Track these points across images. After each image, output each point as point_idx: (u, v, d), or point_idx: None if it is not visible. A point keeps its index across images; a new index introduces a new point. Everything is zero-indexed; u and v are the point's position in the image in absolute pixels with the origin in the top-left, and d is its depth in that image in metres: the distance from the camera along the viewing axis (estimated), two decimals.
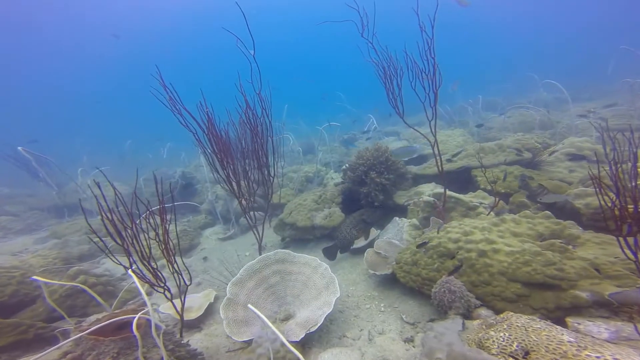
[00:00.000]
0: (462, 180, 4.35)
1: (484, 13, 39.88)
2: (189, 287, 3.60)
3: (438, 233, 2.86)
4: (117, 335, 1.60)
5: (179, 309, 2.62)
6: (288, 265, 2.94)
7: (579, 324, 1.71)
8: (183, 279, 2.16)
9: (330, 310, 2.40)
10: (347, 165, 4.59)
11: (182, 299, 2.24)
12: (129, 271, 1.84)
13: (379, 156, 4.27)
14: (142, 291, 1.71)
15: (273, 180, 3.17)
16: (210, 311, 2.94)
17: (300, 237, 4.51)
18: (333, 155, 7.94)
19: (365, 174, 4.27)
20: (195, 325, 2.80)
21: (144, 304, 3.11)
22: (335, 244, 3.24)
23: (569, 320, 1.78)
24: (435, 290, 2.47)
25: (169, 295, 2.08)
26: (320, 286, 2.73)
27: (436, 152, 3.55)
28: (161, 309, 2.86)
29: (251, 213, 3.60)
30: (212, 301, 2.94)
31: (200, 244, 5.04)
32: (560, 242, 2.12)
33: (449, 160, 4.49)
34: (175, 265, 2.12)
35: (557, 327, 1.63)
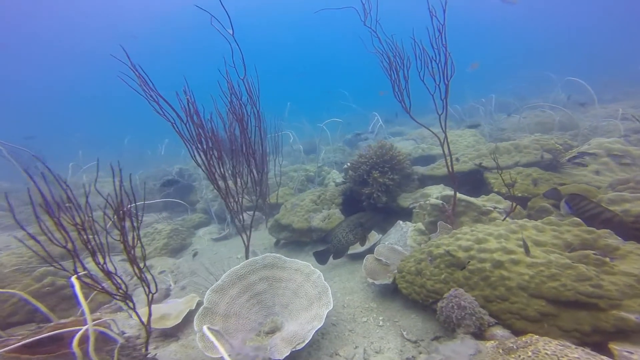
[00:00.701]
0: (473, 182, 4.00)
1: (488, 11, 39.07)
2: (173, 291, 3.35)
3: (447, 240, 2.54)
4: (57, 352, 1.33)
5: (152, 317, 2.35)
6: (277, 271, 2.64)
7: (631, 353, 1.37)
8: (148, 286, 1.89)
9: (321, 325, 2.09)
10: (348, 164, 4.28)
11: (150, 308, 1.96)
12: (73, 278, 1.57)
13: (383, 154, 3.96)
14: (82, 302, 1.44)
15: (263, 176, 2.89)
16: (190, 319, 2.66)
17: (297, 240, 4.21)
18: (336, 154, 7.64)
19: (368, 173, 3.96)
20: (172, 334, 2.53)
21: (116, 310, 2.85)
22: (328, 248, 2.93)
23: (615, 347, 1.44)
24: (442, 304, 2.14)
25: (130, 304, 1.80)
26: (312, 296, 2.43)
27: (446, 150, 3.23)
28: (142, 315, 2.60)
29: (244, 213, 3.33)
30: (193, 308, 2.66)
31: (192, 244, 4.79)
32: (595, 254, 1.78)
33: (457, 160, 4.14)
34: (138, 270, 1.85)
35: (603, 357, 1.29)
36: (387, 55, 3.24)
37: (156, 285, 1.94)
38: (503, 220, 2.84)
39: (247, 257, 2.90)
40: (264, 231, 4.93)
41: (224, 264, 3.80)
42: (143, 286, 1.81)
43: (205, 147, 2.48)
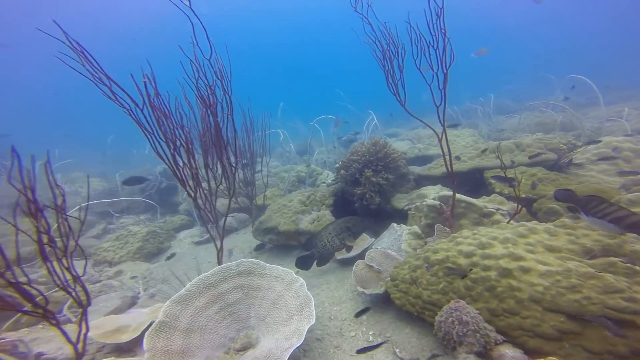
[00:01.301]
0: (473, 182, 3.74)
1: (490, 12, 39.25)
2: (141, 299, 3.00)
3: (445, 244, 2.25)
4: None
5: (105, 330, 2.02)
6: (255, 278, 2.33)
7: None
8: (77, 297, 1.56)
9: (300, 342, 1.78)
10: (340, 162, 4.00)
11: (83, 324, 1.62)
12: None
13: (377, 152, 3.68)
14: None
15: (246, 173, 2.58)
16: None
17: (284, 244, 3.90)
18: (330, 155, 7.36)
19: (360, 172, 3.67)
20: (129, 349, 2.19)
21: (65, 322, 2.50)
22: (311, 253, 2.63)
23: None
24: (441, 319, 1.85)
25: (53, 321, 1.47)
26: (293, 308, 2.11)
27: (445, 148, 2.96)
28: (93, 328, 2.25)
29: (229, 215, 3.01)
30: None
31: (172, 248, 4.44)
32: (623, 262, 1.50)
33: (458, 159, 3.87)
34: (71, 278, 1.52)
35: None
36: (380, 44, 2.99)
37: (88, 297, 1.60)
38: (508, 223, 2.56)
39: (219, 263, 2.59)
40: (246, 234, 4.61)
41: (201, 270, 3.47)
42: (73, 298, 1.48)
43: (168, 135, 2.18)
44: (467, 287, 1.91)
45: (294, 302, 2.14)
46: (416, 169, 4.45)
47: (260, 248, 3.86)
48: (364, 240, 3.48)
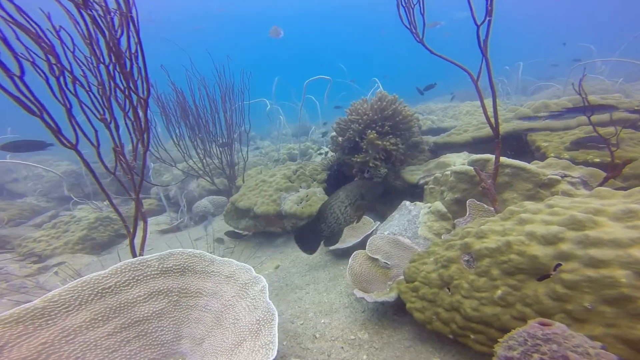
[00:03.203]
0: (511, 150, 2.84)
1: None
2: None
3: (499, 223, 1.38)
4: None
5: None
6: (193, 279, 1.49)
7: None
8: None
9: None
10: (335, 124, 3.11)
11: None
12: None
13: (383, 109, 2.78)
14: None
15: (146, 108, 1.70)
16: None
17: (264, 230, 3.06)
18: (329, 129, 6.44)
19: (361, 135, 2.79)
20: None
21: None
22: (319, 229, 1.82)
23: None
24: (513, 353, 0.99)
25: None
26: (245, 327, 1.27)
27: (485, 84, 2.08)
28: None
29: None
30: None
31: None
32: None
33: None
34: None
35: None
36: None
37: None
38: (587, 196, 1.66)
39: (133, 255, 1.76)
40: (220, 220, 3.77)
41: None
42: None
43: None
44: (553, 296, 1.04)
45: (248, 318, 1.29)
46: (431, 138, 3.55)
47: (233, 235, 3.02)
48: (367, 224, 2.62)
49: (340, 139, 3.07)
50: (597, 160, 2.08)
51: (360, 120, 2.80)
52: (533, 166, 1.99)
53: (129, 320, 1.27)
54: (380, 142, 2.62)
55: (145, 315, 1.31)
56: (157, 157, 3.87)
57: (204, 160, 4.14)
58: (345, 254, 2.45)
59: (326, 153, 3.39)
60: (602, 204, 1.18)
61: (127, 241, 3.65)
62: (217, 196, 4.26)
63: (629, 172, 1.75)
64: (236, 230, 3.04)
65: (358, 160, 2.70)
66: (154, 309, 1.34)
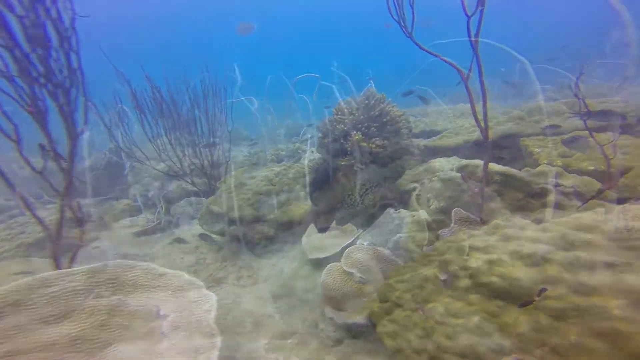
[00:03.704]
0: (504, 155, 2.70)
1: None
2: None
3: (481, 238, 1.23)
4: None
5: None
6: (132, 295, 1.32)
7: None
8: None
9: None
10: (320, 125, 2.96)
11: None
12: None
13: (370, 108, 2.63)
14: None
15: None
16: None
17: (243, 236, 2.90)
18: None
19: (346, 136, 2.64)
20: None
21: None
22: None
23: None
24: None
25: None
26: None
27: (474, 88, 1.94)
28: None
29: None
30: None
31: (100, 239, 3.44)
32: None
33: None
34: None
35: None
36: None
37: None
38: (580, 208, 1.52)
39: (56, 267, 1.57)
40: (195, 223, 3.61)
41: None
42: None
43: None
44: (535, 327, 0.89)
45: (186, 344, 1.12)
46: (422, 142, 3.41)
47: (206, 238, 2.86)
48: (348, 232, 2.47)
49: (325, 140, 2.92)
50: (592, 168, 1.94)
51: (345, 121, 2.65)
52: (524, 174, 1.85)
53: (30, 346, 1.08)
54: (365, 144, 2.47)
55: (53, 339, 1.12)
56: (126, 151, 3.71)
57: (182, 161, 3.99)
58: (324, 264, 2.29)
59: (310, 160, 3.25)
60: (592, 219, 1.03)
61: (96, 244, 3.49)
62: (196, 197, 4.09)
63: (625, 182, 1.61)
64: (210, 234, 2.88)
65: (342, 164, 2.55)
66: (68, 332, 1.16)
